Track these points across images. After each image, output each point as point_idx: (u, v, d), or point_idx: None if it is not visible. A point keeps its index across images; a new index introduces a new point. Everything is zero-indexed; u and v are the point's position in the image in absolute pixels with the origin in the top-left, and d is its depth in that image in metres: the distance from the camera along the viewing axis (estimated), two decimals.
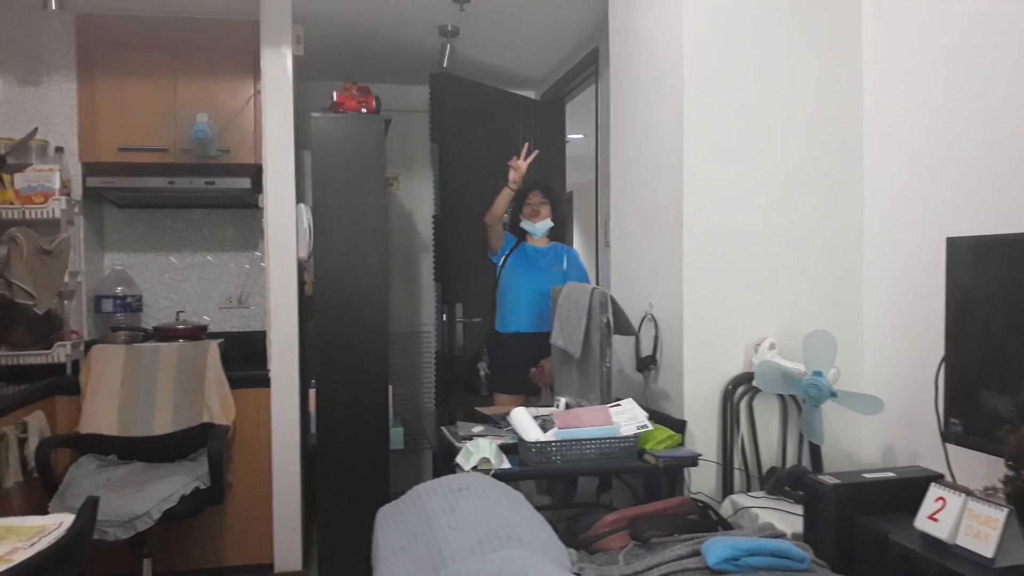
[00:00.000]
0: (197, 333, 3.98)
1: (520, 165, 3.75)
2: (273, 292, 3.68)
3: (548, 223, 3.86)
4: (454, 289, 4.41)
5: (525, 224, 3.87)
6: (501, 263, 3.95)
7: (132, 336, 3.86)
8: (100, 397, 3.46)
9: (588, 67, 4.45)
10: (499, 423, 2.82)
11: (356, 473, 3.66)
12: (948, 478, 2.08)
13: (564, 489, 3.49)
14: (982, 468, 1.94)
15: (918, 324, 2.50)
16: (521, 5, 3.87)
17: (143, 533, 3.05)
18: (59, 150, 3.71)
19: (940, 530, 1.74)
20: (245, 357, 4.03)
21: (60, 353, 3.50)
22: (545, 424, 2.50)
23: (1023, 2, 2.12)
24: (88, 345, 3.68)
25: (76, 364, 3.64)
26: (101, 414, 3.44)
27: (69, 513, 1.89)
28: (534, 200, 3.86)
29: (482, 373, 3.98)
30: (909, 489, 1.91)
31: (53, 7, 3.28)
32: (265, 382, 3.66)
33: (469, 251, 4.52)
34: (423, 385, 5.36)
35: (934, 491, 1.81)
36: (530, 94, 5.40)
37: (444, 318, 4.45)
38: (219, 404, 3.52)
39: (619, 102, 3.37)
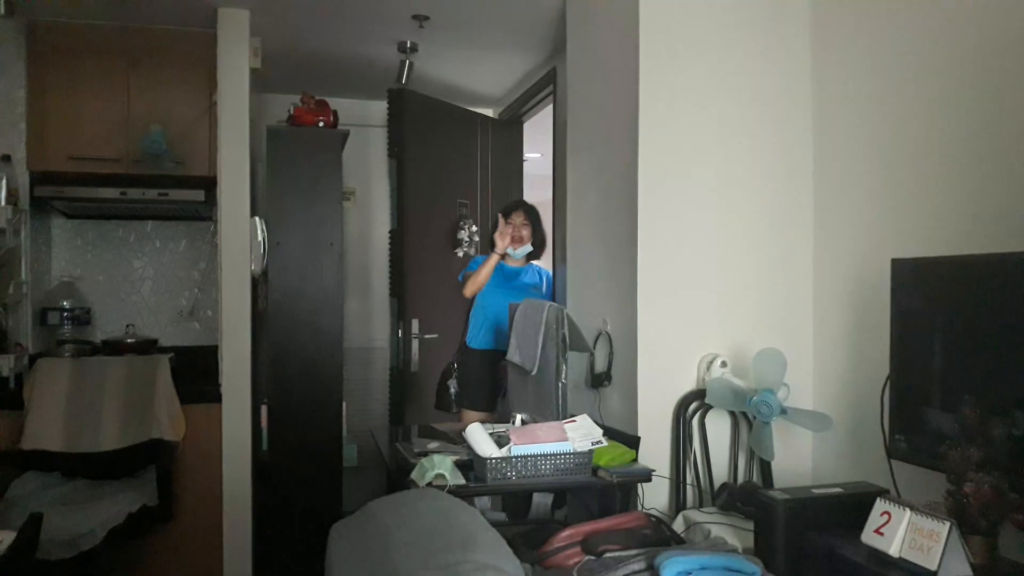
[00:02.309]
0: (147, 347, 3.91)
1: (507, 232, 3.79)
2: (226, 306, 3.63)
3: (528, 247, 3.86)
4: (410, 304, 4.41)
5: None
6: None
7: (79, 350, 3.78)
8: (44, 412, 3.37)
9: (546, 87, 4.50)
10: (455, 439, 2.81)
11: (309, 490, 3.62)
12: (893, 493, 2.13)
13: (518, 505, 3.49)
14: (926, 483, 1.99)
15: (864, 343, 2.56)
16: (480, 25, 3.90)
17: (88, 552, 2.98)
18: (6, 158, 3.62)
19: (885, 544, 1.78)
20: (196, 372, 3.97)
21: (3, 366, 3.40)
22: (501, 440, 2.50)
23: (960, 31, 2.20)
24: (33, 358, 3.59)
25: (20, 378, 3.54)
26: (45, 429, 3.35)
27: (10, 531, 1.84)
28: (516, 221, 3.83)
29: (452, 391, 3.94)
30: (856, 504, 1.95)
31: (2, 12, 3.21)
32: (216, 397, 3.60)
33: (426, 266, 4.52)
34: (377, 401, 5.32)
35: (880, 506, 1.85)
36: (488, 112, 5.44)
37: (400, 334, 4.43)
38: (168, 420, 3.45)
39: (575, 122, 3.41)
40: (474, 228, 4.79)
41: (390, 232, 4.79)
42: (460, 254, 4.72)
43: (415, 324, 4.36)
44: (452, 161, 4.79)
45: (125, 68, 3.77)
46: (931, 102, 2.31)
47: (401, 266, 4.47)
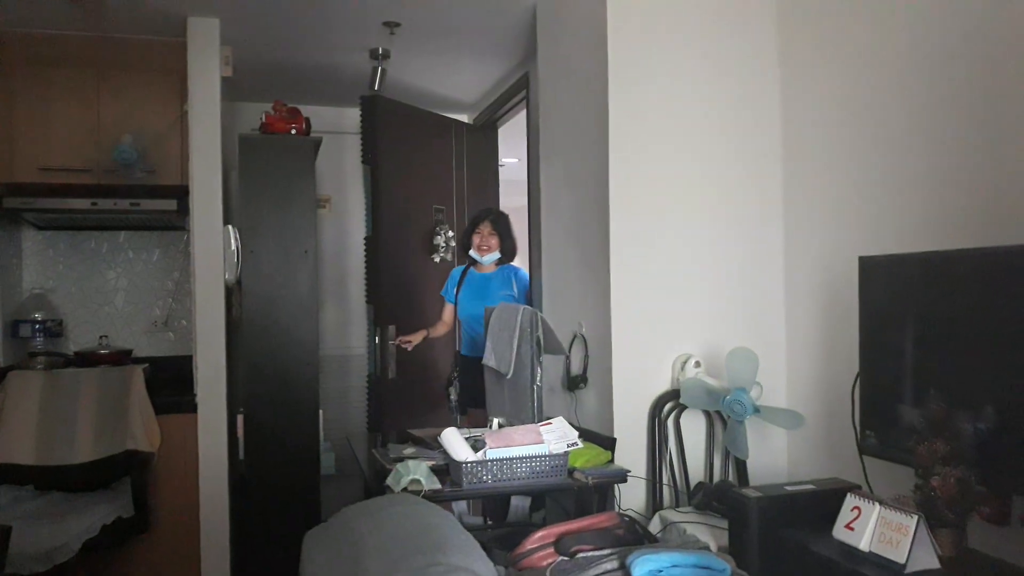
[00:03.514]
0: (121, 358, 3.88)
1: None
2: (200, 316, 3.61)
3: (496, 255, 4.02)
4: (386, 311, 4.39)
5: (473, 254, 4.03)
6: (455, 292, 4.08)
7: (51, 362, 3.74)
8: (16, 425, 3.34)
9: (519, 91, 4.51)
10: (431, 444, 2.81)
11: (286, 499, 3.59)
12: (865, 488, 2.15)
13: (496, 509, 3.49)
14: (897, 478, 2.01)
15: (835, 341, 2.58)
16: (451, 31, 3.90)
17: (62, 566, 2.95)
18: None
19: (856, 538, 1.80)
20: (171, 382, 3.94)
21: None
22: (477, 444, 2.50)
23: (927, 31, 2.23)
24: (4, 371, 3.55)
25: None
26: (17, 443, 3.31)
27: None
28: (484, 231, 4.01)
29: (453, 397, 4.01)
30: (828, 500, 1.97)
31: None
32: (192, 407, 3.58)
33: (402, 272, 4.51)
34: (355, 409, 5.30)
35: (850, 501, 1.87)
36: (463, 117, 5.44)
37: (377, 340, 4.42)
38: (143, 431, 3.43)
39: (547, 127, 3.42)
40: (450, 234, 4.80)
41: (365, 239, 4.78)
42: (437, 259, 4.72)
43: (392, 330, 4.35)
44: (427, 167, 4.78)
45: (95, 78, 3.75)
46: (898, 103, 2.34)
47: (377, 273, 4.46)
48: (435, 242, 4.72)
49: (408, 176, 4.59)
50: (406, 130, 4.60)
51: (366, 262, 4.71)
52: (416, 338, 4.12)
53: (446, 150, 4.92)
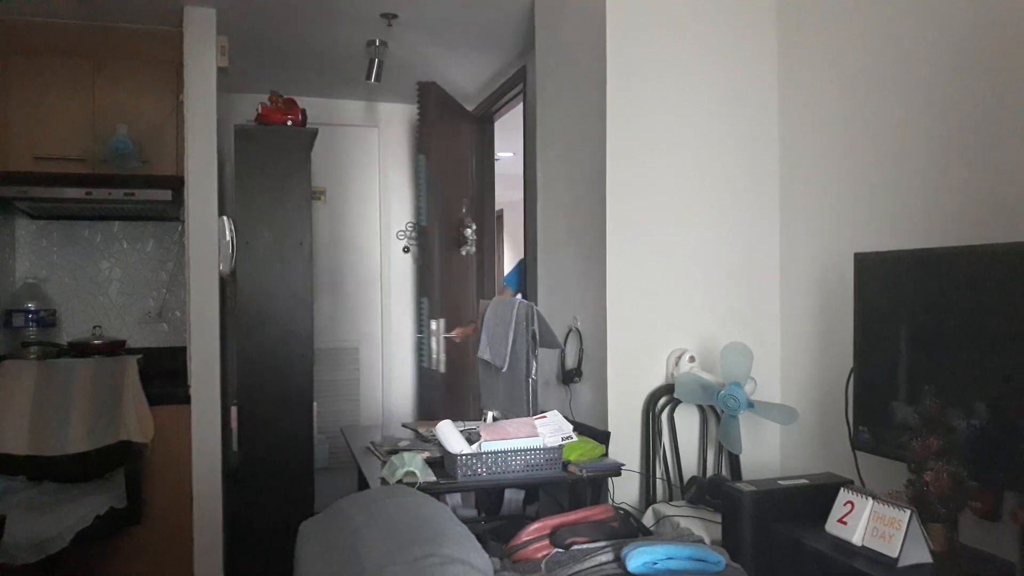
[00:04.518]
0: (115, 348, 3.86)
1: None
2: (194, 307, 3.60)
3: None
4: (439, 304, 4.36)
5: None
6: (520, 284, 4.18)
7: (45, 352, 3.72)
8: (8, 415, 3.32)
9: (516, 85, 4.50)
10: (426, 437, 2.81)
11: (280, 491, 3.60)
12: (857, 483, 2.16)
13: (490, 501, 3.50)
14: (889, 473, 2.02)
15: (829, 336, 2.59)
16: (448, 23, 3.89)
17: (54, 556, 2.94)
18: None
19: (848, 533, 1.81)
20: (165, 373, 3.93)
21: None
22: (472, 437, 2.51)
23: (922, 29, 2.24)
24: None
25: None
26: (9, 432, 3.29)
27: None
28: None
29: None
30: (821, 494, 1.98)
31: None
32: (185, 399, 3.57)
33: (446, 265, 4.51)
34: (347, 401, 5.30)
35: (843, 495, 1.88)
36: None
37: (432, 332, 4.40)
38: (137, 421, 3.41)
39: (544, 121, 3.42)
40: (473, 226, 4.79)
41: (418, 229, 4.78)
42: (464, 252, 4.72)
43: (442, 323, 4.35)
44: (457, 159, 4.77)
45: (91, 67, 3.72)
46: (894, 100, 2.35)
47: (432, 264, 4.43)
48: (465, 234, 4.71)
49: (447, 167, 4.58)
50: (448, 120, 4.58)
51: (418, 254, 4.70)
52: (469, 331, 4.13)
53: (467, 142, 4.91)
